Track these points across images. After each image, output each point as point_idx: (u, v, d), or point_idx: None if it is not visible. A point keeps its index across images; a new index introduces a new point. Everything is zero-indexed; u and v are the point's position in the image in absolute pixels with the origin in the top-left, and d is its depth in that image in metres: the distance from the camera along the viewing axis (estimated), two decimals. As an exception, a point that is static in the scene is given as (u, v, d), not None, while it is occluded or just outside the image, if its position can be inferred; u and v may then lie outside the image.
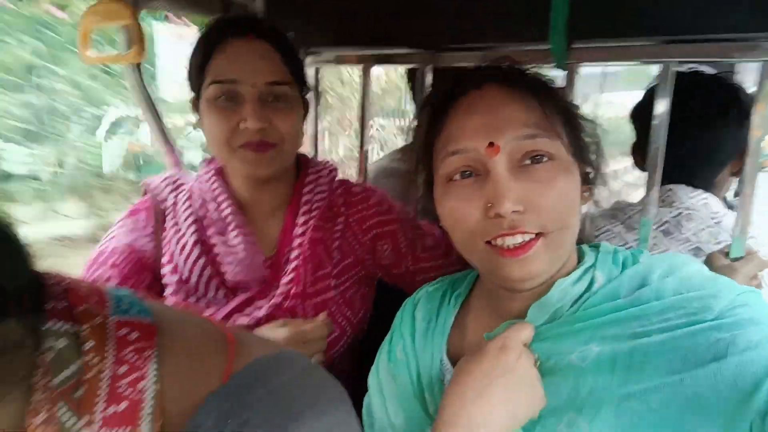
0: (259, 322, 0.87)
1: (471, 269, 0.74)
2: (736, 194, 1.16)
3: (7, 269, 0.39)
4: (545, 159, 0.59)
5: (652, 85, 1.08)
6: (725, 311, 0.53)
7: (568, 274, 0.62)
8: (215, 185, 0.93)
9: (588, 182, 0.66)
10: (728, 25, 0.79)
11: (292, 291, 0.88)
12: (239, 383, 0.45)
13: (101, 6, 1.08)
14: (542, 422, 0.56)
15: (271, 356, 0.49)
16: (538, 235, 0.58)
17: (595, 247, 0.67)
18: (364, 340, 0.98)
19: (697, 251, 0.97)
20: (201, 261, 0.90)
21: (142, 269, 0.93)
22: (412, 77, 1.29)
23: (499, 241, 0.58)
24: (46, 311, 0.41)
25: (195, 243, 0.90)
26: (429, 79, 1.08)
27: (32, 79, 5.21)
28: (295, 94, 0.88)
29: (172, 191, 0.97)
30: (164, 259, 0.92)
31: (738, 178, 1.08)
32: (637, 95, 1.13)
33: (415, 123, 0.71)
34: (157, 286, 0.95)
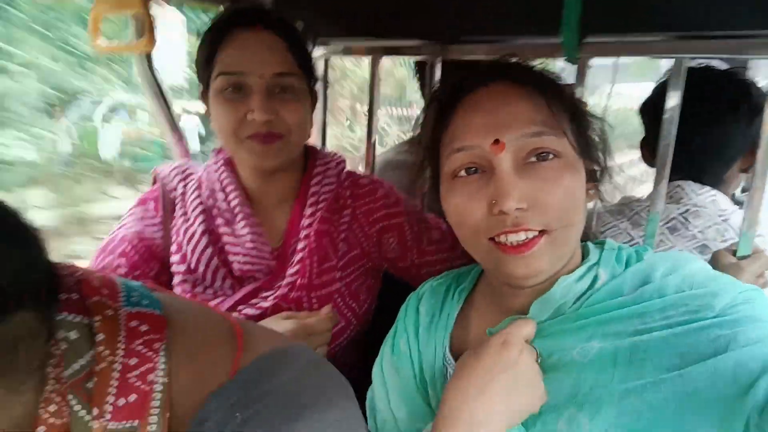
0: (264, 313, 0.88)
1: (476, 263, 0.75)
2: (744, 190, 1.15)
3: (22, 260, 0.40)
4: (551, 156, 0.59)
5: (662, 80, 1.07)
6: (726, 309, 0.53)
7: (572, 271, 0.62)
8: (224, 175, 0.94)
9: (594, 179, 0.66)
10: (741, 22, 0.78)
11: (298, 282, 0.89)
12: (247, 377, 0.46)
13: (111, -6, 1.08)
14: (543, 418, 0.57)
15: (279, 350, 0.50)
16: (542, 232, 0.58)
17: (600, 245, 0.67)
18: (370, 332, 0.99)
19: (703, 248, 0.96)
20: (209, 251, 0.91)
21: (151, 258, 0.94)
22: (421, 70, 1.29)
23: (502, 238, 0.58)
24: (60, 302, 0.42)
25: (203, 233, 0.91)
26: (438, 71, 1.08)
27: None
28: (302, 86, 0.88)
29: (181, 180, 0.97)
30: (173, 249, 0.94)
31: (747, 175, 1.08)
32: (645, 86, 1.12)
33: (422, 117, 0.71)
34: (165, 275, 0.96)
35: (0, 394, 0.38)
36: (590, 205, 0.67)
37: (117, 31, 1.14)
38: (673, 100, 0.83)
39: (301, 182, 0.96)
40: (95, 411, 0.41)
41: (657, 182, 0.87)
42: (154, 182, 1.01)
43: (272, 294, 0.89)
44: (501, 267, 0.60)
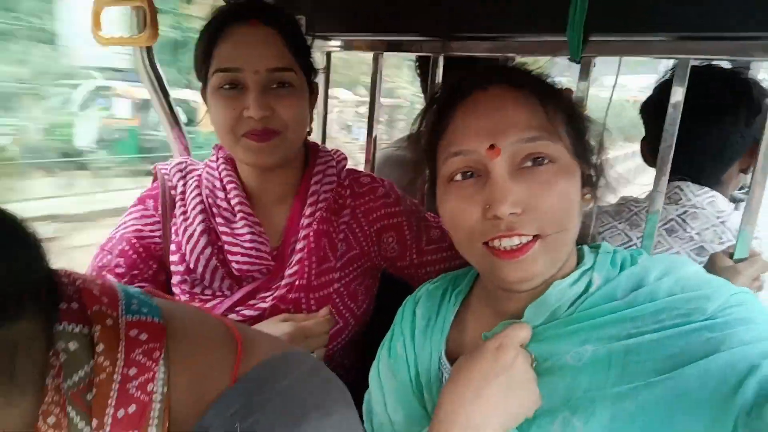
0: (262, 314, 0.88)
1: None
2: (741, 187, 1.15)
3: (23, 268, 0.40)
4: (546, 161, 0.59)
5: (663, 79, 1.06)
6: (718, 312, 0.54)
7: (567, 275, 0.63)
8: (224, 173, 0.94)
9: (590, 184, 0.66)
10: (744, 24, 0.77)
11: (297, 283, 0.89)
12: (247, 385, 0.47)
13: (114, -14, 1.07)
14: (537, 422, 0.58)
15: (278, 356, 0.50)
16: (536, 237, 0.59)
17: (595, 248, 0.68)
18: (368, 332, 1.00)
19: (700, 250, 0.97)
20: (208, 251, 0.91)
21: (149, 257, 0.94)
22: (422, 66, 1.28)
23: (496, 243, 0.59)
24: (60, 311, 0.43)
25: (202, 232, 0.91)
26: (441, 67, 1.07)
27: None
28: (299, 81, 0.87)
29: (181, 178, 0.97)
30: (172, 248, 0.94)
31: (746, 175, 1.08)
32: (642, 78, 1.11)
33: (420, 119, 0.71)
34: (163, 274, 0.96)
35: None
36: (589, 206, 0.68)
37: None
38: (676, 100, 0.83)
39: (302, 180, 0.95)
40: (95, 423, 0.41)
41: (657, 181, 0.87)
42: (154, 179, 1.00)
43: (270, 295, 0.89)
44: (495, 271, 0.60)
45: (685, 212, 1.00)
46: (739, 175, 1.07)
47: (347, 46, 1.21)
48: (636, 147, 1.14)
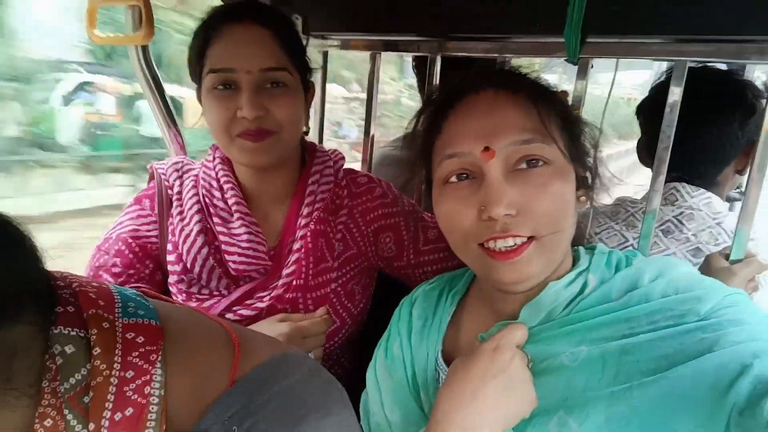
0: (260, 314, 0.88)
1: (469, 266, 0.76)
2: (737, 188, 1.15)
3: (20, 271, 0.40)
4: (540, 163, 0.60)
5: (659, 80, 1.06)
6: (711, 313, 0.55)
7: (562, 276, 0.63)
8: (221, 173, 0.94)
9: (585, 186, 0.67)
10: (741, 27, 0.77)
11: (294, 283, 0.89)
12: (246, 387, 0.47)
13: (109, -16, 1.07)
14: (533, 422, 0.58)
15: (276, 358, 0.50)
16: (531, 238, 0.59)
17: (591, 249, 0.68)
18: (365, 331, 1.00)
19: (696, 251, 0.97)
20: (204, 250, 0.90)
21: (146, 257, 0.94)
22: (419, 66, 1.28)
23: (491, 244, 0.59)
24: (57, 315, 0.43)
25: (199, 232, 0.91)
26: (438, 67, 1.07)
27: None
28: (294, 80, 0.87)
29: (178, 178, 0.97)
30: (168, 248, 0.93)
31: (742, 176, 1.08)
32: (637, 75, 1.12)
33: (415, 121, 0.72)
34: (160, 274, 0.96)
35: None
36: (584, 207, 0.68)
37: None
38: (673, 102, 0.83)
39: (299, 180, 0.95)
40: (92, 426, 0.41)
41: (653, 182, 0.87)
42: (151, 179, 1.00)
43: (268, 295, 0.89)
44: (490, 272, 0.61)
45: (681, 213, 1.01)
46: (734, 176, 1.07)
47: (344, 46, 1.20)
48: (629, 145, 1.15)
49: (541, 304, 0.62)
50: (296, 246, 0.90)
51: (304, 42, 0.93)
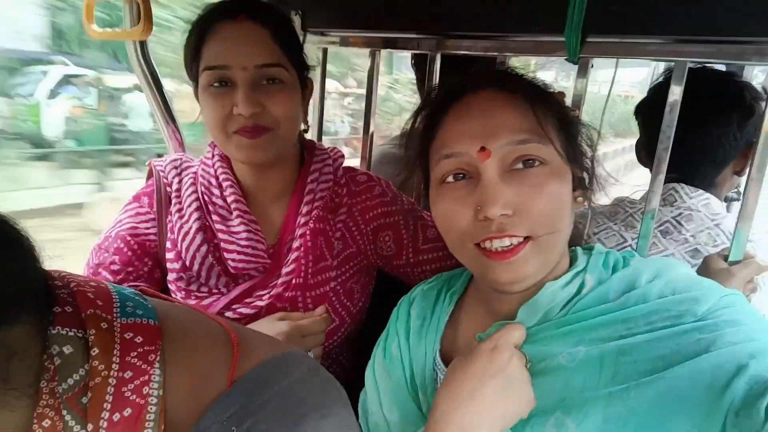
0: (259, 313, 0.88)
1: (467, 266, 0.76)
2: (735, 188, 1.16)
3: (18, 270, 0.40)
4: (537, 163, 0.60)
5: (658, 81, 1.06)
6: (708, 313, 0.55)
7: (559, 277, 0.64)
8: (220, 170, 0.93)
9: (582, 186, 0.67)
10: (742, 28, 0.77)
11: (293, 282, 0.89)
12: (246, 386, 0.47)
13: (106, -20, 1.06)
14: (531, 422, 0.58)
15: (276, 358, 0.50)
16: (527, 238, 0.59)
17: (588, 250, 0.68)
18: (364, 330, 1.00)
19: (695, 253, 0.97)
20: (203, 248, 0.90)
21: (144, 255, 0.94)
22: (418, 63, 1.28)
23: (487, 244, 0.60)
24: (55, 315, 0.42)
25: (198, 230, 0.91)
26: (438, 65, 1.07)
27: None
28: (290, 76, 0.87)
29: (176, 175, 0.96)
30: (167, 245, 0.93)
31: (741, 177, 1.08)
32: (634, 72, 1.12)
33: (412, 122, 0.72)
34: (159, 272, 0.96)
35: None
36: (581, 208, 0.68)
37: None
38: (673, 102, 0.83)
39: (298, 177, 0.95)
40: (90, 426, 0.41)
41: (653, 182, 0.87)
42: (149, 176, 1.00)
43: (267, 293, 0.89)
44: (487, 273, 0.61)
45: (680, 214, 1.01)
46: (733, 177, 1.08)
47: (344, 43, 1.20)
48: (626, 143, 1.15)
49: (538, 304, 0.63)
50: (295, 244, 0.90)
51: (303, 39, 0.92)
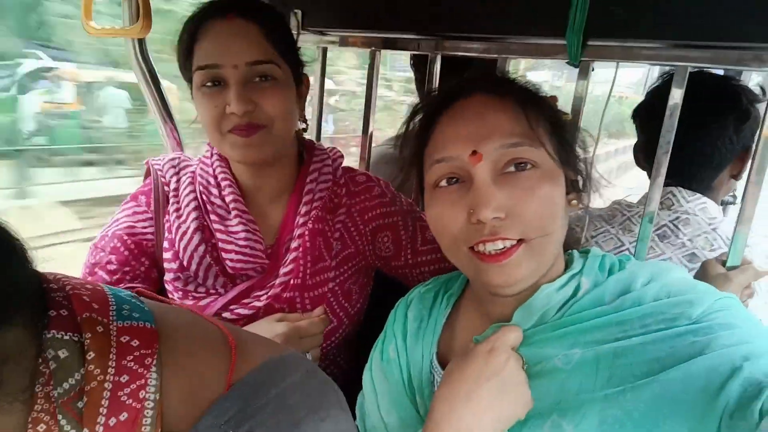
0: (257, 313, 0.88)
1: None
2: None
3: (12, 274, 0.39)
4: (528, 167, 0.60)
5: (655, 84, 1.06)
6: (702, 316, 0.55)
7: (554, 279, 0.64)
8: (219, 170, 0.93)
9: (576, 189, 0.67)
10: (743, 33, 0.77)
11: (291, 282, 0.89)
12: (243, 390, 0.46)
13: (105, -23, 1.05)
14: (527, 424, 0.58)
15: (273, 361, 0.50)
16: (520, 241, 0.59)
17: (585, 253, 0.69)
18: (362, 331, 1.00)
19: (692, 257, 0.97)
20: (201, 248, 0.90)
21: (141, 254, 0.93)
22: (417, 64, 1.27)
23: (480, 247, 0.60)
24: (50, 318, 0.42)
25: (196, 229, 0.90)
26: (438, 66, 1.07)
27: None
28: (282, 73, 0.86)
29: (174, 174, 0.96)
30: (165, 245, 0.93)
31: (738, 181, 1.08)
32: (630, 73, 1.11)
33: (406, 127, 0.72)
34: (155, 272, 0.95)
35: None
36: (575, 210, 0.69)
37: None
38: (673, 106, 0.83)
39: (297, 177, 0.95)
40: (86, 431, 0.41)
41: (651, 186, 0.87)
42: (147, 175, 0.99)
43: (265, 293, 0.89)
44: (480, 275, 0.61)
45: (677, 218, 1.01)
46: (729, 181, 1.08)
47: (343, 42, 1.20)
48: (619, 144, 1.14)
49: (533, 306, 0.63)
50: (294, 245, 0.90)
51: (302, 37, 0.91)
